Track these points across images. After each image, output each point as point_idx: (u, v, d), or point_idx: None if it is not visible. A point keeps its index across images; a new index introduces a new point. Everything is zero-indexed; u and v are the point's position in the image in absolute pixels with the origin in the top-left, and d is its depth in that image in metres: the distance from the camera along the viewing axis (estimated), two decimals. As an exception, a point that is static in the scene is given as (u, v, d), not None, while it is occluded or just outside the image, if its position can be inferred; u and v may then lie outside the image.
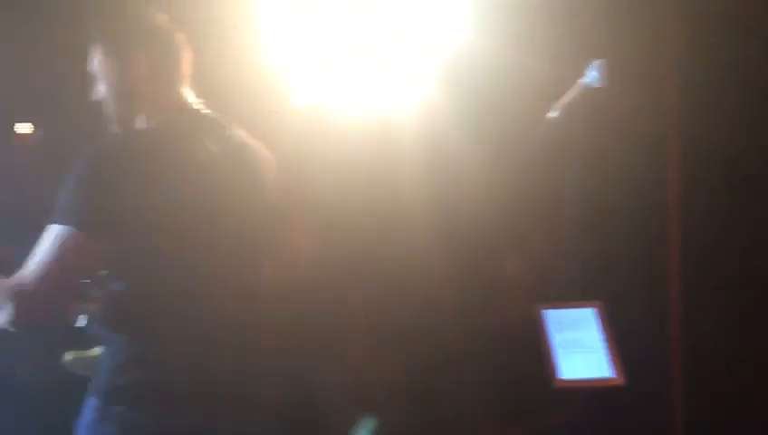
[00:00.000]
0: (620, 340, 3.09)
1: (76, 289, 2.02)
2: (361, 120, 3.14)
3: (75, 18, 3.00)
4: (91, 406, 2.05)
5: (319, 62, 3.03)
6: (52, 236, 1.88)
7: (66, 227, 1.87)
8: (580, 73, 2.78)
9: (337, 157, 3.15)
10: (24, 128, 3.54)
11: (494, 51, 3.04)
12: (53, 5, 3.06)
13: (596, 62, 2.69)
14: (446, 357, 3.31)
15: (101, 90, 2.16)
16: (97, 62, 2.16)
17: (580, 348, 3.06)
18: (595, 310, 3.15)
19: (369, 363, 3.30)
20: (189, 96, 2.17)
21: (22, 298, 1.88)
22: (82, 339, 2.32)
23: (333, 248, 3.20)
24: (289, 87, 3.29)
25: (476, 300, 3.38)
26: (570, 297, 3.21)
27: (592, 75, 2.72)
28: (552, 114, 2.88)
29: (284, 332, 2.53)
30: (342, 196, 3.22)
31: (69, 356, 2.36)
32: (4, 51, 3.16)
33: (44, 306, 1.93)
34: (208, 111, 2.18)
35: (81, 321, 2.30)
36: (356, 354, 3.29)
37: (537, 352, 3.08)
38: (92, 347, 2.33)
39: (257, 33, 3.06)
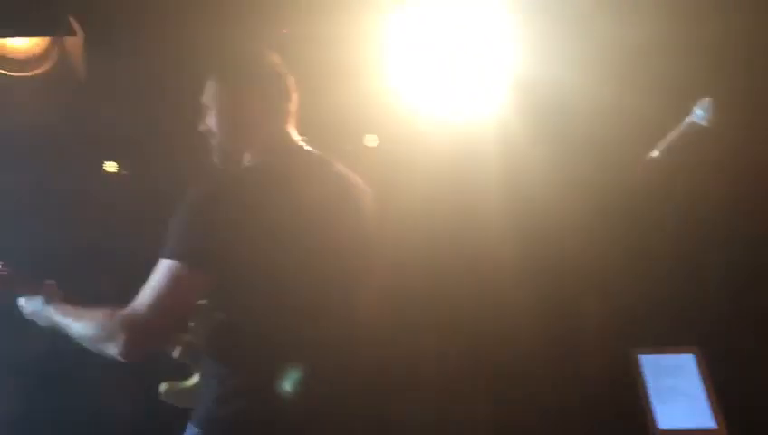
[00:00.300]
0: (721, 387, 2.97)
1: (186, 320, 2.06)
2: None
3: (165, 61, 3.11)
4: (190, 435, 2.09)
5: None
6: (162, 270, 1.92)
7: (176, 261, 1.91)
8: (685, 111, 2.71)
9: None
10: (110, 166, 3.65)
11: (591, 86, 2.99)
12: (142, 47, 3.15)
13: (702, 100, 2.60)
14: (533, 400, 3.24)
15: (211, 123, 2.19)
16: (211, 95, 2.20)
17: (679, 396, 2.95)
18: (694, 356, 3.03)
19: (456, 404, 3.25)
20: (295, 135, 2.21)
21: (135, 329, 1.91)
22: (177, 369, 2.34)
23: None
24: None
25: (564, 341, 3.30)
26: (667, 342, 3.10)
27: (698, 113, 2.63)
28: (654, 153, 2.80)
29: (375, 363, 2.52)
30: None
31: (163, 387, 2.37)
32: (96, 92, 3.26)
33: (157, 337, 1.97)
34: (312, 149, 2.21)
35: (176, 352, 2.33)
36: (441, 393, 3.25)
37: (632, 398, 2.98)
38: (187, 378, 2.35)
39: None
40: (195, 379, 2.33)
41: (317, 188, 2.09)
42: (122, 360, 1.94)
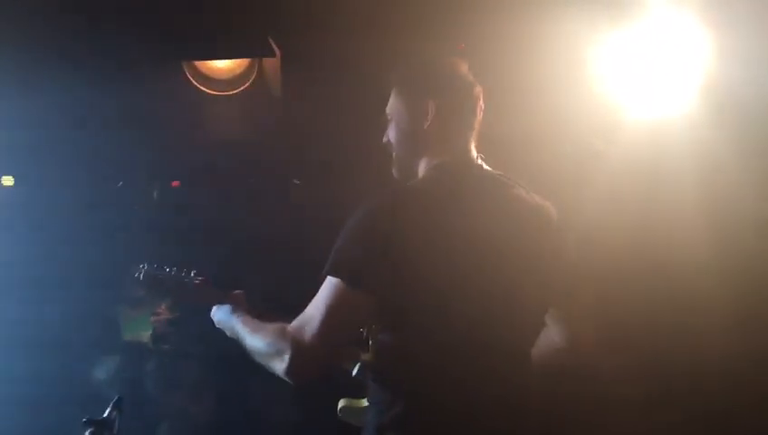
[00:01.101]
0: None
1: (347, 343, 2.02)
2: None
3: (354, 77, 3.18)
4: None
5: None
6: (326, 289, 1.89)
7: (338, 280, 1.87)
8: None
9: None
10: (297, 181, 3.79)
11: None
12: (334, 64, 3.24)
13: None
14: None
15: (390, 134, 2.15)
16: (391, 105, 2.15)
17: None
18: None
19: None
20: (473, 151, 2.11)
21: (301, 350, 1.88)
22: (356, 387, 2.31)
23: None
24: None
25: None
26: None
27: None
28: None
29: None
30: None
31: (341, 404, 2.35)
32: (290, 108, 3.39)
33: (322, 358, 1.93)
34: (491, 168, 2.10)
35: (356, 369, 2.29)
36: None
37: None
38: (365, 396, 2.28)
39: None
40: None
41: (489, 208, 1.98)
42: (288, 380, 1.91)
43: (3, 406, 3.33)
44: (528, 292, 2.00)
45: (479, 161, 2.10)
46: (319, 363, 1.93)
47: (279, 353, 1.92)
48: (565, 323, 2.13)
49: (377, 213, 1.91)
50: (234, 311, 2.21)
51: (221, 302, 2.27)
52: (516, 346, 2.00)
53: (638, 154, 3.00)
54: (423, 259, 1.87)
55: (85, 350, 3.62)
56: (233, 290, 2.31)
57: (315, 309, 1.89)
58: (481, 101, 2.12)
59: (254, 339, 2.04)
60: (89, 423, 2.13)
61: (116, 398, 2.24)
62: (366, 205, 1.92)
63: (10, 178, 3.69)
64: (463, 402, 1.90)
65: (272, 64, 3.24)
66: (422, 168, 2.09)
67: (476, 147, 2.12)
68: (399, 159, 2.14)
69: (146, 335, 3.70)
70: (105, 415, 2.19)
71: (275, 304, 2.11)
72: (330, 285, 1.88)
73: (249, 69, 3.30)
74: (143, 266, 2.39)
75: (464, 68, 2.12)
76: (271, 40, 3.06)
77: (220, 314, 2.24)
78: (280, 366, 1.91)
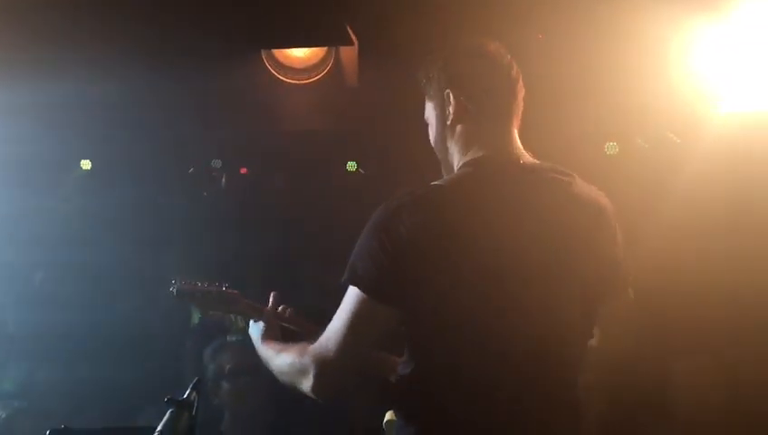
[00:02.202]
0: None
1: (367, 356, 1.89)
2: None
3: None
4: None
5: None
6: (346, 300, 1.77)
7: (356, 289, 1.75)
8: None
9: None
10: (351, 166, 3.77)
11: None
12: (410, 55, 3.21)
13: None
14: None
15: (430, 132, 1.97)
16: (426, 107, 1.98)
17: None
18: None
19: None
20: (514, 142, 1.88)
21: (323, 367, 1.79)
22: None
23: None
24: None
25: None
26: None
27: None
28: None
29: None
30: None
31: (387, 417, 2.27)
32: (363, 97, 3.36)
33: (346, 373, 1.83)
34: (534, 160, 1.88)
35: None
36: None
37: None
38: None
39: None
40: None
41: (528, 206, 1.78)
42: (314, 397, 1.83)
43: (85, 384, 3.45)
44: (573, 295, 1.80)
45: (520, 153, 1.87)
46: (344, 377, 1.84)
47: (303, 372, 1.83)
48: (603, 320, 1.90)
49: (393, 217, 1.73)
50: (264, 331, 2.17)
51: (254, 314, 2.25)
52: (559, 360, 1.80)
53: (721, 149, 2.92)
54: (445, 267, 1.70)
55: (161, 331, 3.70)
56: (266, 303, 2.28)
57: (337, 321, 1.79)
58: (520, 84, 1.89)
59: (279, 359, 1.98)
60: (170, 402, 2.14)
61: (195, 380, 2.26)
62: (383, 207, 1.77)
63: (87, 161, 3.79)
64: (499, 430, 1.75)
65: (349, 54, 3.23)
66: (455, 166, 1.90)
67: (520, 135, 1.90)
68: (441, 161, 1.95)
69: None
70: (185, 396, 2.20)
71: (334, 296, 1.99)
72: (349, 294, 1.77)
73: (326, 58, 3.30)
74: (175, 282, 2.34)
75: (491, 48, 1.89)
76: (349, 29, 3.05)
77: (253, 333, 2.22)
78: (306, 384, 1.82)
